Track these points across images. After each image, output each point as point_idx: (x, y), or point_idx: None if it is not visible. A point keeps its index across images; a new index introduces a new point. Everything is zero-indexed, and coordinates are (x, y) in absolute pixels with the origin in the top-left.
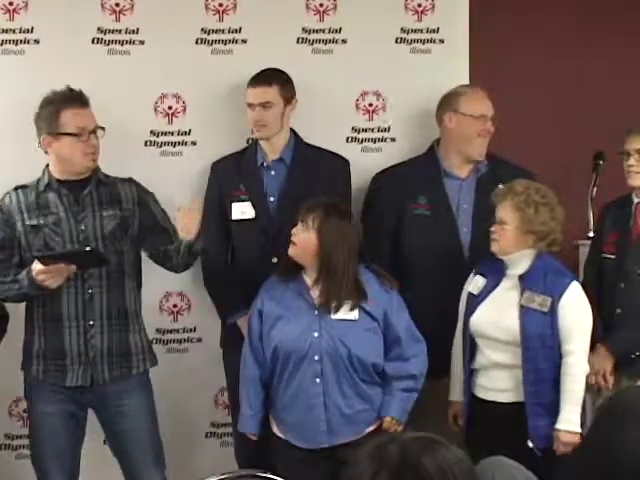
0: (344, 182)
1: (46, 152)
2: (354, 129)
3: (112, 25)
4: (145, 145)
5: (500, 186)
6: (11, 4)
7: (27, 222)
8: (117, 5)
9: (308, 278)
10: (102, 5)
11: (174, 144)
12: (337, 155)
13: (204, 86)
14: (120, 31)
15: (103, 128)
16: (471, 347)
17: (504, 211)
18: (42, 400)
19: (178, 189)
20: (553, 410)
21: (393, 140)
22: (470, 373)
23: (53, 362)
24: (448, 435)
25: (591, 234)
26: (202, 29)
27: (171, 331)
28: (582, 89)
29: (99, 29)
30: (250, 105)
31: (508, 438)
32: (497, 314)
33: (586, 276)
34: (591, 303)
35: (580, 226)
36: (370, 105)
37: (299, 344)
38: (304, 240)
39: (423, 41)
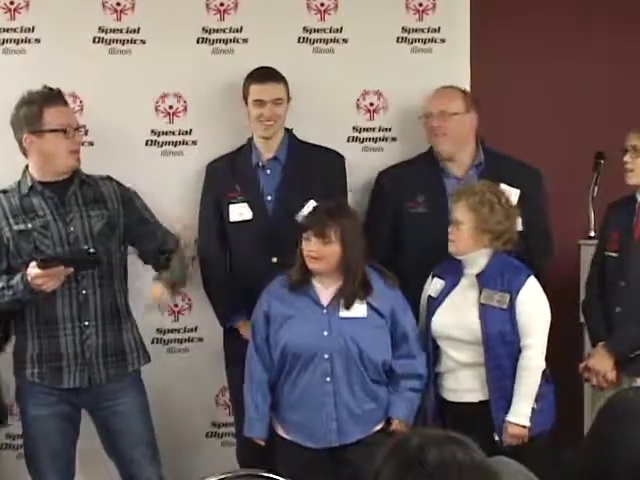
0: (340, 177)
1: (25, 154)
2: (355, 129)
3: (113, 24)
4: (146, 144)
5: (502, 185)
6: (12, 3)
7: (15, 227)
8: (118, 4)
9: (316, 280)
10: (103, 4)
11: (175, 143)
12: (331, 150)
13: (205, 85)
14: (121, 30)
15: (83, 126)
16: (434, 350)
17: (460, 212)
18: (35, 403)
19: (179, 188)
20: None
21: (394, 140)
22: (435, 376)
23: (49, 365)
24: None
25: (592, 233)
26: (203, 28)
27: (172, 331)
28: (583, 89)
29: (100, 28)
30: (259, 102)
31: (478, 437)
32: (458, 314)
33: (589, 275)
34: (590, 302)
35: (581, 225)
36: (371, 105)
37: (309, 343)
38: (330, 254)
39: (424, 40)
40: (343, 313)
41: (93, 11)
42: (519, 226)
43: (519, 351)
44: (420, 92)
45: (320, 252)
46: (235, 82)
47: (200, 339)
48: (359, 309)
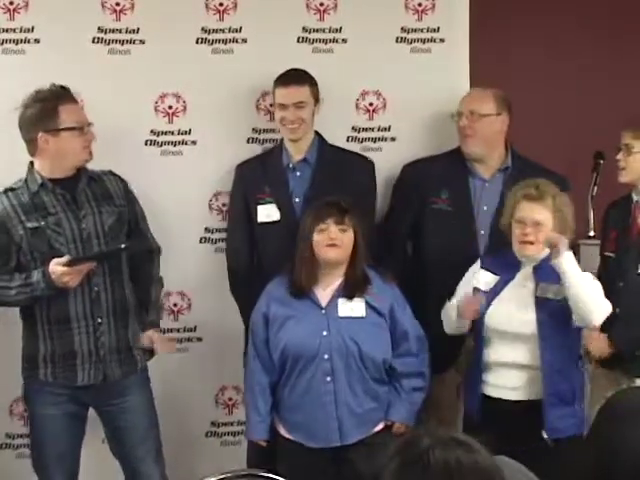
0: (369, 183)
1: (32, 153)
2: (354, 128)
3: (112, 25)
4: (145, 144)
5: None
6: (12, 3)
7: (27, 225)
8: (117, 5)
9: (318, 279)
10: (102, 4)
11: (174, 143)
12: (361, 156)
13: (204, 85)
14: (120, 30)
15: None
16: (480, 344)
17: (540, 213)
18: (44, 403)
19: (178, 188)
20: (567, 400)
21: (393, 140)
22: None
23: (63, 364)
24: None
25: (592, 233)
26: (202, 28)
27: (171, 330)
28: (582, 88)
29: (99, 29)
30: (282, 106)
31: (518, 435)
32: (515, 309)
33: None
34: None
35: (580, 225)
36: (370, 104)
37: (308, 343)
38: (348, 241)
39: (423, 40)
40: (342, 313)
41: (92, 11)
42: None
43: (579, 357)
44: (419, 92)
45: (339, 239)
46: (235, 82)
47: (199, 339)
48: (358, 308)
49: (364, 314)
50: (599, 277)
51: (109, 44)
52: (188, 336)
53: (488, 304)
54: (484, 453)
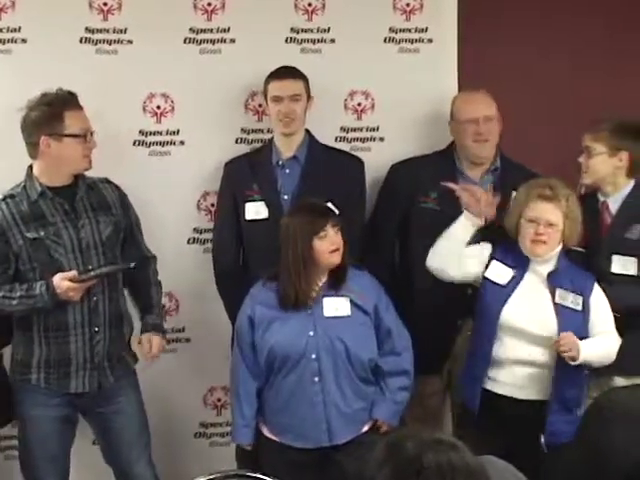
0: (359, 182)
1: (33, 156)
2: (343, 129)
3: (100, 24)
4: (134, 145)
5: (514, 192)
6: None
7: (27, 235)
8: (105, 5)
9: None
10: (90, 4)
11: (163, 144)
12: (352, 155)
13: (192, 86)
14: (108, 30)
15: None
16: (491, 339)
17: (554, 213)
18: (35, 405)
19: (167, 189)
20: (570, 407)
21: (382, 140)
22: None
23: (57, 370)
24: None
25: None
26: (190, 28)
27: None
28: (572, 88)
29: (87, 29)
30: (277, 98)
31: (516, 434)
32: (533, 309)
33: None
34: None
35: None
36: (359, 105)
37: (295, 344)
38: (342, 243)
39: (412, 41)
40: (328, 312)
41: (80, 11)
42: None
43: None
44: (408, 92)
45: (339, 243)
46: (222, 82)
47: (187, 339)
48: (343, 308)
49: (349, 313)
50: None
51: (97, 44)
52: (176, 337)
53: (504, 300)
54: (470, 453)
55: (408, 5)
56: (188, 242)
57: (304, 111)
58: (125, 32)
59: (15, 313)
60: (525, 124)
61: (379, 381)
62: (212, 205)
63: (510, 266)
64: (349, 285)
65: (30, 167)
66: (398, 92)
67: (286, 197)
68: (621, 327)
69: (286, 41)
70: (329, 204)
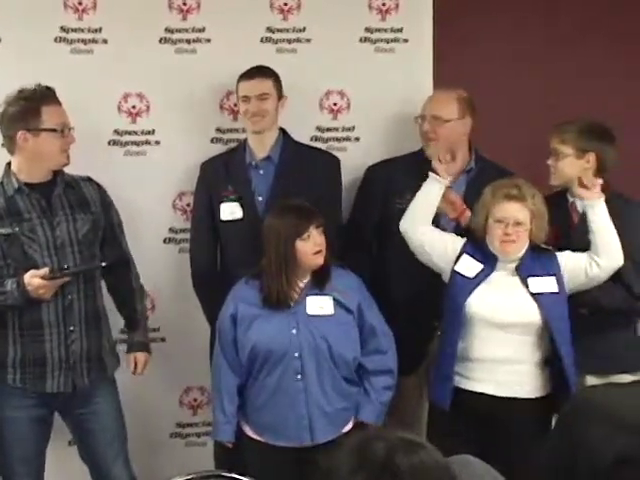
0: (334, 180)
1: (11, 151)
2: (318, 128)
3: (75, 24)
4: (109, 145)
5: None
6: None
7: (1, 231)
8: (80, 4)
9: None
10: (65, 4)
11: (138, 144)
12: (327, 153)
13: (168, 85)
14: (83, 30)
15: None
16: (465, 336)
17: (521, 213)
18: (10, 405)
19: (142, 189)
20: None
21: (357, 140)
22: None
23: (32, 369)
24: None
25: None
26: (166, 28)
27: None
28: (547, 88)
29: (62, 28)
30: (245, 98)
31: (490, 435)
32: (504, 298)
33: None
34: None
35: None
36: (334, 104)
37: (278, 343)
38: (325, 244)
39: (387, 40)
40: (311, 311)
41: (55, 10)
42: None
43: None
44: (383, 91)
45: (323, 244)
46: (198, 82)
47: (163, 339)
48: (327, 306)
49: (333, 312)
50: None
51: (72, 43)
52: (152, 337)
53: (469, 291)
54: (437, 452)
55: (384, 5)
56: (164, 242)
57: (275, 109)
58: (100, 31)
59: None
60: (501, 125)
61: (363, 381)
62: (188, 205)
63: (482, 258)
64: (333, 284)
65: (8, 164)
66: (374, 92)
67: (260, 198)
68: (590, 327)
69: (262, 41)
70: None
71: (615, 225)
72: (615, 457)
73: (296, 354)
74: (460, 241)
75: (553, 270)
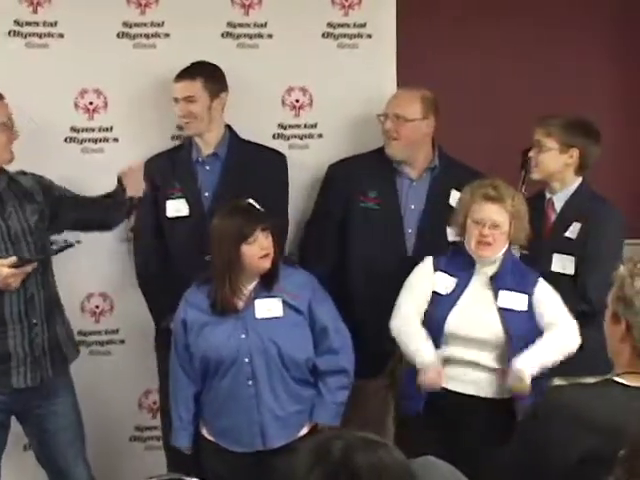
0: (281, 177)
1: None
2: (281, 125)
3: (30, 17)
4: (65, 142)
5: (453, 190)
6: None
7: None
8: None
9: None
10: None
11: (95, 141)
12: (273, 150)
13: (126, 81)
14: (38, 24)
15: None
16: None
17: (499, 214)
18: None
19: (99, 187)
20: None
21: (320, 136)
22: None
23: None
24: (384, 433)
25: None
26: (124, 23)
27: (93, 333)
28: (511, 87)
29: (16, 22)
30: (176, 100)
31: (465, 430)
32: (476, 315)
33: None
34: None
35: None
36: (297, 101)
37: (227, 348)
38: (272, 244)
39: (350, 36)
40: (259, 314)
41: (8, 3)
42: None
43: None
44: (346, 88)
45: (269, 247)
46: (157, 78)
47: (122, 341)
48: (275, 308)
49: (282, 314)
50: None
51: (26, 37)
52: (110, 338)
53: (449, 309)
54: (397, 450)
55: (347, 0)
56: (122, 242)
57: (206, 111)
58: (56, 25)
59: None
60: (465, 121)
61: (318, 382)
62: None
63: (456, 272)
64: (282, 285)
65: None
66: (337, 88)
67: (207, 194)
68: None
69: (222, 36)
70: (250, 201)
71: (586, 224)
72: (580, 456)
73: (246, 359)
74: (429, 261)
75: (528, 289)
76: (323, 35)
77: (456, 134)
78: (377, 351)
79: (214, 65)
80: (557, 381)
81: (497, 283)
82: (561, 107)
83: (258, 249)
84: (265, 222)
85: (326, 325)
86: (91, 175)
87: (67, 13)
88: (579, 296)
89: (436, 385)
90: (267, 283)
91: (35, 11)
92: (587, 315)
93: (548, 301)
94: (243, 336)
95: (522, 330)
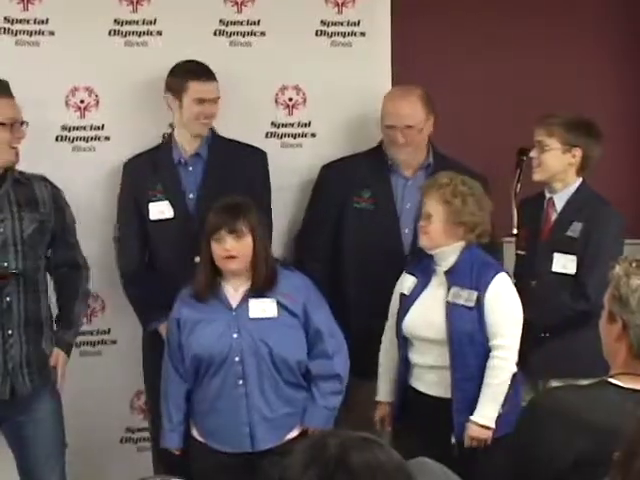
0: (263, 174)
1: None
2: (274, 124)
3: (20, 14)
4: (56, 140)
5: None
6: None
7: None
8: None
9: (225, 282)
10: None
11: (87, 139)
12: (253, 147)
13: (118, 79)
14: (28, 21)
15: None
16: (406, 346)
17: (430, 204)
18: None
19: (91, 186)
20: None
21: (314, 135)
22: (406, 367)
23: None
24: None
25: (515, 231)
26: (115, 20)
27: (84, 333)
28: (506, 85)
29: (6, 19)
30: (201, 100)
31: (435, 432)
32: (426, 314)
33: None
34: None
35: (505, 223)
36: (290, 99)
37: (219, 347)
38: (245, 250)
39: (344, 34)
40: (253, 314)
41: None
42: None
43: (488, 351)
44: (340, 86)
45: (236, 249)
46: (149, 75)
47: (114, 341)
48: (270, 309)
49: (276, 315)
50: (514, 275)
51: (16, 35)
52: (102, 339)
53: (406, 311)
54: (393, 450)
55: None
56: (113, 240)
57: None
58: (47, 22)
59: None
60: (459, 120)
61: (310, 386)
62: None
63: (418, 273)
64: (277, 287)
65: None
66: (330, 87)
67: (192, 195)
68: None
69: (215, 34)
70: (241, 201)
71: (588, 224)
72: (575, 458)
73: (237, 359)
74: (403, 273)
75: (480, 286)
76: (317, 33)
77: (450, 133)
78: (373, 352)
79: None
80: (554, 383)
81: (450, 279)
82: (559, 105)
83: (222, 249)
84: (234, 226)
85: (321, 329)
86: (82, 174)
87: (58, 10)
88: (579, 295)
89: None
90: (261, 285)
91: (26, 8)
92: (587, 315)
93: (496, 306)
94: (235, 335)
95: (466, 327)
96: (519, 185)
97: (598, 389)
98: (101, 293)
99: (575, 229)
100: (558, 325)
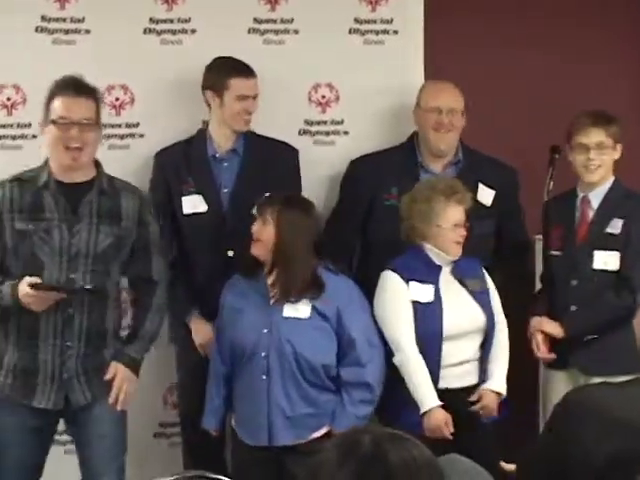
0: (295, 171)
1: None
2: (307, 122)
3: (57, 13)
4: None
5: (480, 184)
6: None
7: (16, 226)
8: None
9: (269, 274)
10: None
11: (121, 137)
12: (286, 144)
13: (152, 77)
14: (65, 20)
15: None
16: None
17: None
18: (3, 410)
19: None
20: None
21: (346, 133)
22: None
23: (23, 379)
24: None
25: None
26: (150, 19)
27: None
28: (538, 82)
29: (43, 17)
30: (244, 97)
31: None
32: (462, 309)
33: (542, 272)
34: (544, 302)
35: (537, 221)
36: (323, 97)
37: (250, 339)
38: (267, 236)
39: (377, 32)
40: (286, 312)
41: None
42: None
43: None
44: (373, 84)
45: (258, 233)
46: (183, 74)
47: None
48: (303, 310)
49: (308, 316)
50: (542, 278)
51: (53, 34)
52: None
53: (440, 316)
54: (424, 446)
55: None
56: None
57: None
58: (83, 21)
59: None
60: (492, 117)
61: (341, 391)
62: None
63: (426, 278)
64: (312, 291)
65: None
66: (363, 85)
67: (225, 190)
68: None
69: (248, 32)
70: (268, 195)
71: (628, 220)
72: (608, 457)
73: (263, 354)
74: (397, 281)
75: (478, 274)
76: (350, 31)
77: (482, 130)
78: None
79: None
80: (595, 380)
81: (457, 273)
82: (590, 104)
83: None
84: (263, 211)
85: (355, 338)
86: (116, 171)
87: (94, 9)
88: (624, 290)
89: (441, 433)
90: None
91: (62, 7)
92: (631, 311)
93: (492, 289)
94: (265, 331)
95: (489, 309)
96: (552, 183)
97: (633, 386)
98: None
99: (615, 225)
100: (604, 323)
